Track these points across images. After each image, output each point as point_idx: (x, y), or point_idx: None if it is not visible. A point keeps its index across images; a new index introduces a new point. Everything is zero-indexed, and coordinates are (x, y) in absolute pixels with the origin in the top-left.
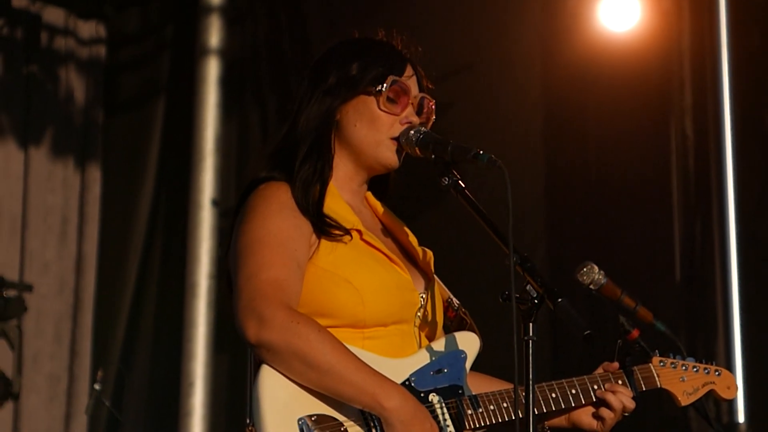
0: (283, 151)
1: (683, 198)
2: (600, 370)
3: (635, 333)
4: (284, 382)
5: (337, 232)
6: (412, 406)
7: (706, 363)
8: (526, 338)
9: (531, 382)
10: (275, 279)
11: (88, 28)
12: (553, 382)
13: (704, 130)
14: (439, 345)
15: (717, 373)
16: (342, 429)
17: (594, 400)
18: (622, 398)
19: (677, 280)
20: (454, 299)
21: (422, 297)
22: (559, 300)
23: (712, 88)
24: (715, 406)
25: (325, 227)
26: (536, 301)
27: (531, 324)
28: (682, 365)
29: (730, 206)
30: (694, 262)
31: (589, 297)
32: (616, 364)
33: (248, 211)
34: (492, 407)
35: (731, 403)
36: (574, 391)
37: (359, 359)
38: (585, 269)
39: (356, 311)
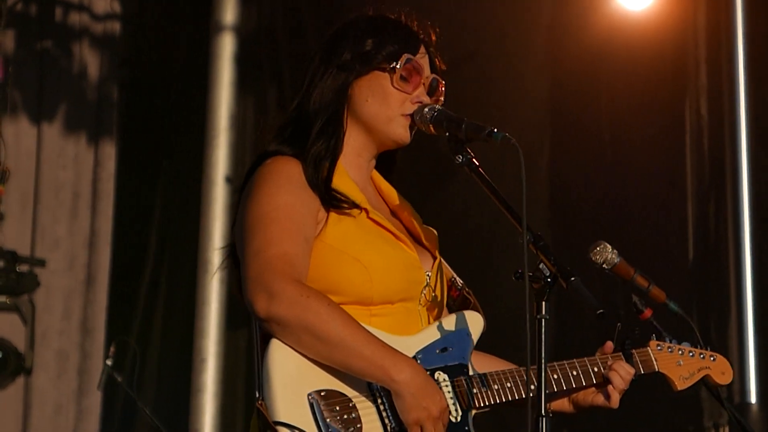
0: (293, 125)
1: (697, 178)
2: (598, 354)
3: (648, 312)
4: (294, 356)
5: (345, 205)
6: (422, 378)
7: (701, 348)
8: (538, 317)
9: (543, 361)
10: (284, 253)
11: (102, 4)
12: (555, 363)
13: (719, 110)
14: (444, 323)
15: (712, 358)
16: (350, 404)
17: (594, 382)
18: (626, 377)
19: (690, 260)
20: (458, 279)
21: (428, 275)
22: (572, 279)
23: (728, 68)
24: (727, 386)
25: (333, 201)
26: (549, 279)
27: (543, 303)
28: (679, 350)
29: (744, 186)
30: (708, 243)
31: (602, 276)
32: (610, 344)
33: (256, 185)
34: (496, 387)
35: (743, 384)
36: (575, 373)
37: (369, 332)
38: (598, 248)
39: (364, 288)
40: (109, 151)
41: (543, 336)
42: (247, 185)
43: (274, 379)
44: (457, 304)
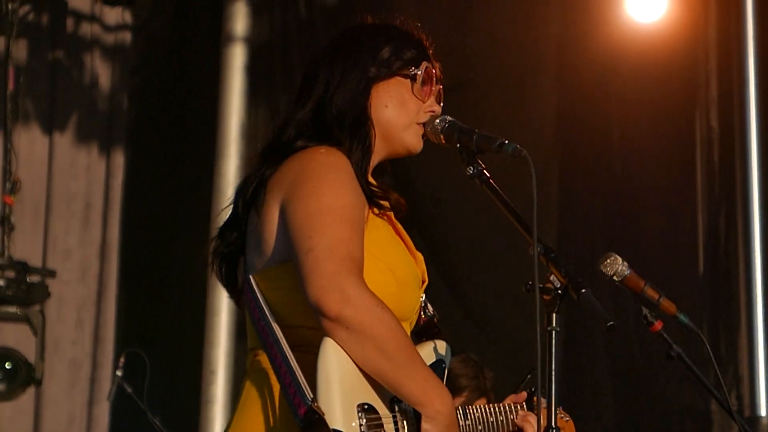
0: (313, 124)
1: (708, 190)
2: (509, 401)
3: (658, 325)
4: (348, 363)
5: (385, 203)
6: (454, 413)
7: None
8: (549, 329)
9: (553, 373)
10: (355, 257)
11: (113, 15)
12: (478, 407)
13: (729, 122)
14: (426, 351)
15: (567, 419)
16: (381, 422)
17: (512, 429)
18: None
19: (701, 272)
20: (429, 305)
21: (422, 297)
22: (583, 291)
23: (738, 80)
24: (738, 399)
25: (375, 198)
26: (560, 291)
27: (554, 314)
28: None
29: (754, 198)
30: (718, 255)
31: (612, 289)
32: (524, 394)
33: (317, 175)
34: (471, 421)
35: (753, 397)
36: (502, 418)
37: (421, 356)
38: (608, 260)
39: (390, 301)
40: (120, 161)
41: (554, 348)
42: (293, 170)
43: (332, 383)
44: (419, 330)
